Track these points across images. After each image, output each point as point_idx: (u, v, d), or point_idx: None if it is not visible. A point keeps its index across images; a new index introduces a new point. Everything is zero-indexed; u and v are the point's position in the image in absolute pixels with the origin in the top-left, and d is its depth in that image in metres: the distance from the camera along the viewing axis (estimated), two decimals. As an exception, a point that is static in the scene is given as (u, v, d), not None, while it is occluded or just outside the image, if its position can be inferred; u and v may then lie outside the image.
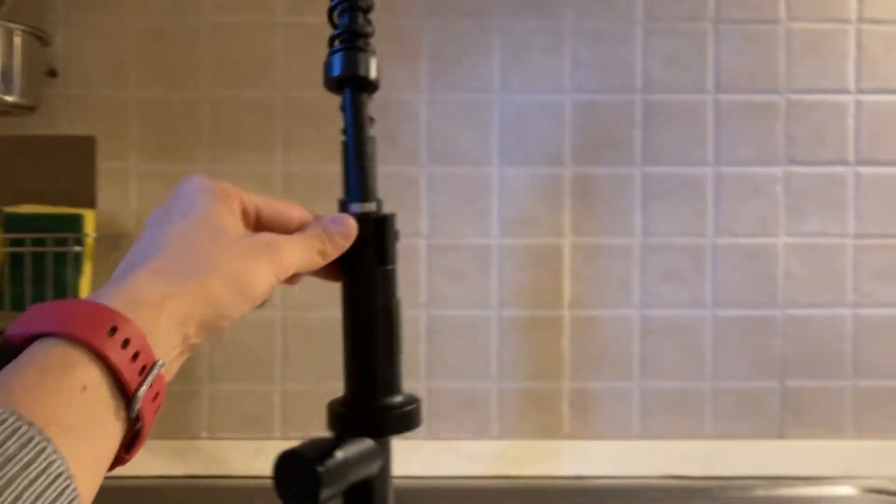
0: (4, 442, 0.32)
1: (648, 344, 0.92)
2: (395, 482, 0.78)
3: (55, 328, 0.36)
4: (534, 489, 0.86)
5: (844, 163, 0.92)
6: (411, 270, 0.91)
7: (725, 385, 0.92)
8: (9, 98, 0.80)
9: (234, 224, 0.45)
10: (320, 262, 0.49)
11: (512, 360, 0.92)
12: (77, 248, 0.80)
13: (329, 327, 0.90)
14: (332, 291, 0.88)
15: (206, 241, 0.42)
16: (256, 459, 0.90)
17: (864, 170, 0.92)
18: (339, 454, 0.73)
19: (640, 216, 0.92)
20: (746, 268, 0.92)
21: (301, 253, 0.47)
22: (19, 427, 0.32)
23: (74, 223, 0.80)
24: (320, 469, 0.70)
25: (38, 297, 0.79)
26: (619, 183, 0.92)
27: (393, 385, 0.55)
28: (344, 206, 0.53)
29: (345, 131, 0.55)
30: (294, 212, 0.49)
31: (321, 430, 0.89)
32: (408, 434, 0.92)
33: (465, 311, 0.92)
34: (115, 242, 0.88)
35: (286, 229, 0.48)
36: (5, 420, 0.32)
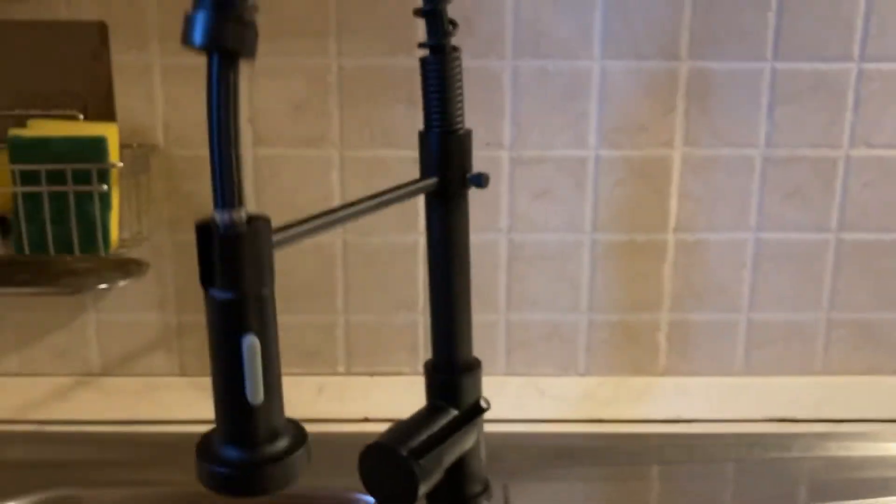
0: None
1: (761, 272, 0.80)
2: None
3: None
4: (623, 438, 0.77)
5: None
6: (491, 188, 0.77)
7: (842, 317, 0.81)
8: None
9: None
10: None
11: (604, 289, 0.80)
12: (103, 188, 0.65)
13: (393, 252, 0.78)
14: (397, 214, 0.75)
15: None
16: (319, 399, 0.81)
17: None
18: (427, 435, 0.63)
19: (766, 123, 0.77)
20: (882, 185, 0.78)
21: None
22: None
23: (96, 149, 0.65)
24: (416, 467, 0.61)
25: (62, 238, 0.66)
26: (744, 81, 0.76)
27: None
28: None
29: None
30: None
31: (386, 364, 0.80)
32: (486, 370, 0.82)
33: (553, 235, 0.79)
34: (142, 161, 0.73)
35: None
36: None
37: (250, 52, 0.42)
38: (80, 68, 0.74)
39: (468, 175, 0.62)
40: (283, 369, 0.86)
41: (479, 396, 0.61)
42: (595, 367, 0.82)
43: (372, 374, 0.81)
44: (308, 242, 0.79)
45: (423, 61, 0.60)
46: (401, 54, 0.74)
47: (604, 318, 0.81)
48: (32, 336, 0.80)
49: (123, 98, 0.75)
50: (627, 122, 0.77)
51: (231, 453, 0.46)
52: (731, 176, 0.78)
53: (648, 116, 0.77)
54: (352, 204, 0.56)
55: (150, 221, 0.76)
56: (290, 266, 0.78)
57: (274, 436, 0.47)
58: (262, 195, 0.77)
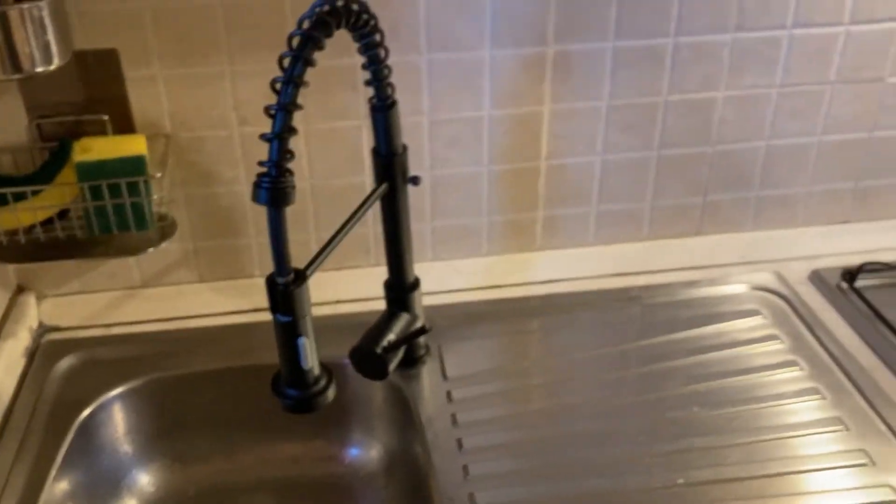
0: None
1: (605, 181, 1.14)
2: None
3: None
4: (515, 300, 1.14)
5: (783, 27, 1.07)
6: (416, 142, 1.07)
7: (661, 203, 1.17)
8: (52, 67, 0.85)
9: None
10: None
11: (498, 202, 1.13)
12: (152, 198, 0.93)
13: (348, 190, 1.09)
14: (349, 163, 1.04)
15: None
16: (301, 291, 1.14)
17: (798, 32, 1.07)
18: (391, 336, 0.99)
19: (609, 83, 1.07)
20: (688, 117, 1.11)
21: None
22: None
23: (138, 165, 0.92)
24: (386, 359, 0.97)
25: (122, 223, 0.95)
26: (594, 57, 1.05)
27: None
28: None
29: None
30: None
31: (348, 261, 1.13)
32: (418, 258, 1.17)
33: (461, 169, 1.10)
34: (159, 145, 0.99)
35: None
36: None
37: (291, 202, 0.71)
38: (102, 84, 0.97)
39: (408, 177, 0.93)
40: (275, 272, 1.16)
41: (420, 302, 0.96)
42: (493, 251, 1.17)
43: (339, 269, 1.15)
44: (287, 191, 1.08)
45: (373, 111, 0.88)
46: (345, 56, 1.00)
47: (498, 219, 1.15)
48: (89, 267, 1.09)
49: (137, 102, 0.99)
50: (510, 91, 1.06)
51: (293, 392, 0.82)
52: (585, 120, 1.09)
53: (525, 86, 1.06)
54: (342, 227, 0.86)
55: (169, 184, 1.04)
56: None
57: (315, 381, 0.82)
58: (249, 161, 1.05)
